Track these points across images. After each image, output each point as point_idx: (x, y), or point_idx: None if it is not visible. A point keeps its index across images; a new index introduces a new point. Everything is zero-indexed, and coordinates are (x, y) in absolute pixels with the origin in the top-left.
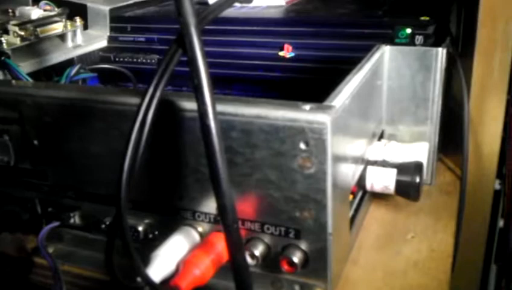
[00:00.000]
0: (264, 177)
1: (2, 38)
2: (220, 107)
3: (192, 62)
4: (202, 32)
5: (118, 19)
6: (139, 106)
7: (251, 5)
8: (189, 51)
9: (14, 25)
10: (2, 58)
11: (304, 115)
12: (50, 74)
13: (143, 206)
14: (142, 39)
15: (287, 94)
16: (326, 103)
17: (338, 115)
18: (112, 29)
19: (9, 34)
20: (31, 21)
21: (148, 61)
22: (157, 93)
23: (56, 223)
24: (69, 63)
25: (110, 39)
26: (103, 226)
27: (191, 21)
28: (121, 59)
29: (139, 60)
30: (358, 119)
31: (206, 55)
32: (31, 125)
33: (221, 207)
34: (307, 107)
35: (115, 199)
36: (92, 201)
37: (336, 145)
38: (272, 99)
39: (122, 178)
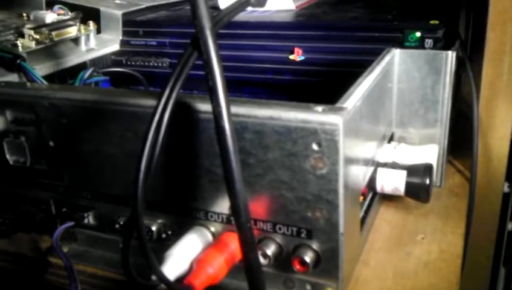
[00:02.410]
0: (276, 178)
1: (18, 42)
2: (234, 109)
3: (207, 64)
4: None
5: (130, 23)
6: (156, 107)
7: (262, 9)
8: (204, 54)
9: (30, 28)
10: (18, 61)
11: (316, 116)
12: (64, 76)
13: (157, 206)
14: (153, 43)
15: (297, 97)
16: (338, 104)
17: (350, 116)
18: (124, 33)
19: (25, 37)
20: (46, 25)
21: (160, 64)
22: (173, 95)
23: (70, 223)
24: (82, 66)
25: (122, 43)
26: (117, 226)
27: (207, 24)
28: (133, 62)
29: (151, 64)
30: (369, 121)
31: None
32: (47, 126)
33: (234, 207)
34: (319, 108)
35: (131, 200)
36: (106, 201)
37: (348, 146)
38: (284, 101)
39: (139, 179)
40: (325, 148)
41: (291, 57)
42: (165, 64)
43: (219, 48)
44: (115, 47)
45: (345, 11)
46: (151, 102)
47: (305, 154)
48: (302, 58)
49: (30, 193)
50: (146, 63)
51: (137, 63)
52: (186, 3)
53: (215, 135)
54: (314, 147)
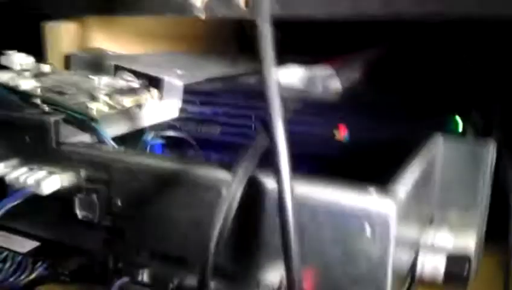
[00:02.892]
0: (328, 256)
1: (92, 105)
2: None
3: (274, 149)
4: None
5: (189, 93)
6: (230, 182)
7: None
8: (273, 139)
9: (104, 94)
10: (92, 123)
11: (370, 199)
12: (125, 138)
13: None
14: (208, 112)
15: (339, 174)
16: (391, 189)
17: (402, 202)
18: (183, 101)
19: (98, 101)
20: (119, 91)
21: (212, 132)
22: (247, 172)
23: (126, 279)
24: (142, 130)
25: (181, 110)
26: (171, 286)
27: (278, 114)
28: (186, 128)
29: (203, 130)
30: (415, 206)
31: None
32: (118, 187)
33: (289, 281)
34: (374, 192)
35: (200, 267)
36: (163, 261)
37: (398, 230)
38: (339, 181)
39: (210, 247)
40: (377, 232)
41: (336, 133)
42: (216, 132)
43: None
44: (175, 114)
45: (388, 91)
46: (218, 175)
47: (357, 236)
48: (347, 136)
49: (90, 246)
50: (199, 130)
51: (191, 129)
52: (241, 77)
53: (278, 214)
54: (367, 230)
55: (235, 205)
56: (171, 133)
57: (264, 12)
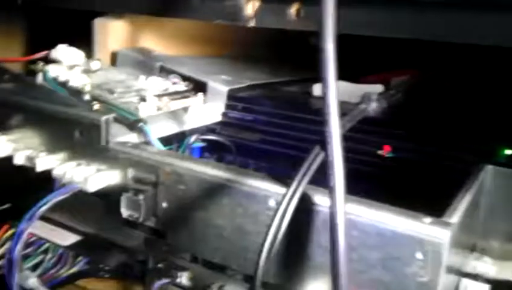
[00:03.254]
0: (376, 277)
1: (140, 106)
2: (347, 207)
3: (331, 166)
4: None
5: (232, 98)
6: (283, 196)
7: None
8: (330, 156)
9: (154, 96)
10: (140, 124)
11: (424, 227)
12: (170, 141)
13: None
14: (249, 118)
15: (381, 192)
16: (445, 218)
17: (455, 231)
18: (225, 106)
19: (147, 102)
20: (168, 94)
21: (251, 138)
22: (300, 188)
23: (167, 281)
24: (184, 131)
25: (222, 114)
26: None
27: (336, 132)
28: (225, 133)
29: (243, 136)
30: (463, 234)
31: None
32: (165, 189)
33: None
34: (428, 220)
35: (250, 279)
36: (204, 266)
37: (448, 257)
38: (394, 207)
39: (261, 259)
40: (429, 258)
41: (380, 152)
42: (256, 139)
43: (309, 132)
44: (217, 118)
45: (436, 114)
46: (265, 185)
47: (409, 260)
48: (391, 155)
49: (132, 245)
50: (238, 135)
51: (230, 134)
52: (283, 85)
53: (329, 231)
54: (419, 255)
55: (287, 219)
56: (212, 137)
57: (329, 33)
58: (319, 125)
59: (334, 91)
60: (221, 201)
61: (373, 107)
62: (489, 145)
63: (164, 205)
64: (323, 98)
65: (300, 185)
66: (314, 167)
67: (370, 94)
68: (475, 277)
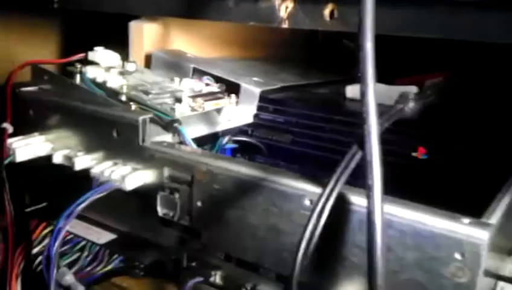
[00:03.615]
0: (412, 278)
1: (175, 106)
2: (384, 207)
3: (370, 165)
4: None
5: (263, 99)
6: (320, 195)
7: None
8: (368, 155)
9: (188, 96)
10: (175, 124)
11: (463, 228)
12: (204, 141)
13: (286, 280)
14: (280, 120)
15: (417, 194)
16: (483, 219)
17: (494, 232)
18: (257, 108)
19: (182, 103)
20: (202, 95)
21: (283, 140)
22: (338, 187)
23: (200, 279)
24: (217, 132)
25: (254, 116)
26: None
27: (375, 131)
28: (257, 134)
29: (274, 138)
30: (500, 236)
31: None
32: (199, 188)
33: None
34: (466, 221)
35: (284, 278)
36: (237, 265)
37: (486, 259)
38: (431, 207)
39: (297, 259)
40: (468, 259)
41: (414, 154)
42: (287, 141)
43: (340, 133)
44: (249, 120)
45: (471, 116)
46: (300, 185)
47: (446, 261)
48: (425, 157)
49: (166, 243)
50: (270, 137)
51: (262, 135)
52: (314, 86)
53: (366, 230)
54: (457, 256)
55: (324, 218)
56: (244, 138)
57: (368, 32)
58: (351, 127)
59: (372, 89)
60: (255, 200)
61: (410, 106)
62: None
63: (199, 204)
64: (361, 96)
65: (337, 184)
66: (352, 165)
67: (407, 94)
68: (511, 280)
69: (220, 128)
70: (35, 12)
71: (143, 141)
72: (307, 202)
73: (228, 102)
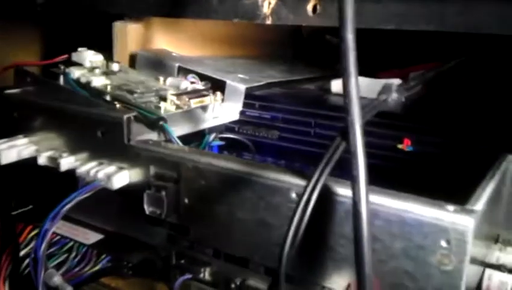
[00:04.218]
0: (399, 266)
1: (161, 105)
2: (369, 197)
3: (353, 155)
4: None
5: (249, 96)
6: (305, 189)
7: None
8: (352, 146)
9: (173, 94)
10: (161, 122)
11: (449, 215)
12: (190, 139)
13: (274, 273)
14: (267, 116)
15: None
16: (468, 206)
17: (479, 218)
18: (243, 104)
19: (167, 101)
20: (187, 92)
21: (269, 136)
22: (322, 178)
23: (189, 276)
24: (203, 130)
25: (240, 113)
26: (232, 285)
27: (358, 121)
28: (244, 131)
29: (261, 134)
30: (486, 223)
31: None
32: (186, 185)
33: (361, 288)
34: (451, 208)
35: (272, 273)
36: (226, 260)
37: (472, 246)
38: (416, 196)
39: (284, 251)
40: (454, 246)
41: (400, 146)
42: (274, 137)
43: (327, 129)
44: (235, 116)
45: (455, 106)
46: (287, 178)
47: (433, 249)
48: (411, 149)
49: (155, 242)
50: (256, 133)
51: (248, 132)
52: (300, 82)
53: (352, 220)
54: (443, 243)
55: (310, 210)
56: (230, 135)
57: (348, 23)
58: (337, 121)
59: (354, 80)
60: (242, 195)
61: (393, 97)
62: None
63: (186, 200)
64: (343, 87)
65: (322, 176)
66: (336, 157)
67: (390, 85)
68: (499, 267)
69: (206, 125)
70: (19, 14)
71: (128, 139)
72: (294, 195)
73: (213, 99)
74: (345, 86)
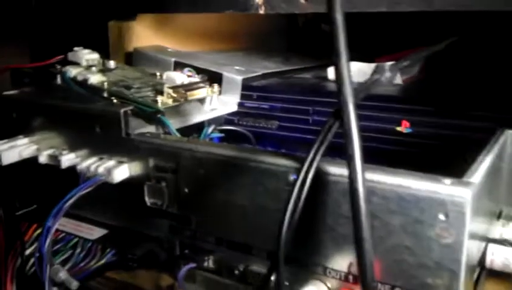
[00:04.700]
0: (399, 242)
1: (158, 98)
2: (366, 175)
3: (348, 135)
4: None
5: (246, 87)
6: (300, 170)
7: None
8: (346, 125)
9: (169, 87)
10: (158, 115)
11: (445, 188)
12: (188, 132)
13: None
14: (265, 106)
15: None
16: (466, 178)
17: (476, 191)
18: (241, 96)
19: (164, 95)
20: (182, 85)
21: (269, 126)
22: (317, 158)
23: (193, 265)
24: (202, 123)
25: (238, 105)
26: (236, 272)
27: (350, 100)
28: (244, 122)
29: (261, 125)
30: (486, 197)
31: None
32: (185, 175)
33: (361, 265)
34: (448, 181)
35: (272, 255)
36: (229, 248)
37: (471, 219)
38: (412, 171)
39: (281, 236)
40: (452, 219)
41: (399, 128)
42: (273, 126)
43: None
44: (233, 108)
45: (452, 87)
46: (284, 162)
47: (431, 223)
48: (409, 130)
49: (158, 233)
50: (256, 124)
51: (248, 123)
52: (296, 72)
53: (350, 198)
54: (441, 217)
55: (306, 190)
56: (229, 127)
57: (337, 4)
58: (335, 107)
59: (345, 60)
60: (241, 181)
61: (387, 76)
62: (509, 112)
63: (186, 190)
64: (335, 67)
65: (316, 156)
66: (330, 137)
67: (384, 65)
68: (502, 242)
69: (204, 118)
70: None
71: (126, 133)
72: (291, 178)
73: (211, 91)
74: (336, 66)
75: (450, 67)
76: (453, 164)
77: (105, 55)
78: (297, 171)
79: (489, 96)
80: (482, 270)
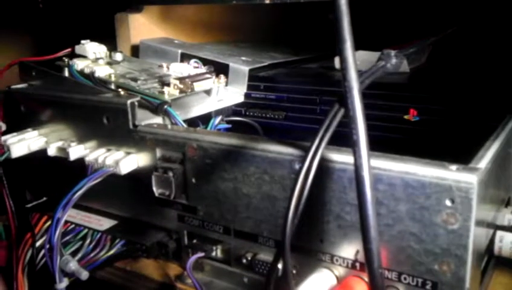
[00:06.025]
0: (405, 229)
1: (164, 89)
2: (371, 162)
3: (353, 120)
4: None
5: (253, 78)
6: (305, 157)
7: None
8: (351, 111)
9: (175, 79)
10: (165, 106)
11: (451, 174)
12: (196, 122)
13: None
14: (272, 97)
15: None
16: (472, 164)
17: (483, 176)
18: (247, 87)
19: (170, 86)
20: (190, 77)
21: (276, 116)
22: (322, 145)
23: (201, 254)
24: (209, 114)
25: (245, 95)
26: (244, 261)
27: (355, 86)
28: (251, 113)
29: (268, 115)
30: (493, 184)
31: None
32: (192, 165)
33: (368, 252)
34: (454, 167)
35: (278, 244)
36: (236, 237)
37: (478, 205)
38: (418, 158)
39: (287, 224)
40: (459, 205)
41: (406, 117)
42: (281, 117)
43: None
44: (240, 99)
45: (459, 75)
46: (290, 150)
47: (438, 209)
48: (417, 118)
49: (166, 223)
50: (263, 114)
51: (255, 114)
52: (303, 62)
53: (355, 184)
54: (447, 203)
55: (311, 178)
56: (236, 118)
57: None
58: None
59: (350, 45)
60: (247, 170)
61: (393, 63)
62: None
63: (193, 180)
64: (339, 53)
65: (322, 142)
66: (335, 123)
67: (389, 52)
68: (511, 229)
69: (210, 108)
70: (21, 9)
71: (133, 124)
72: (297, 167)
73: (217, 82)
74: (341, 52)
75: (457, 55)
76: (461, 151)
77: (112, 47)
78: (302, 159)
79: (497, 83)
80: (491, 258)
